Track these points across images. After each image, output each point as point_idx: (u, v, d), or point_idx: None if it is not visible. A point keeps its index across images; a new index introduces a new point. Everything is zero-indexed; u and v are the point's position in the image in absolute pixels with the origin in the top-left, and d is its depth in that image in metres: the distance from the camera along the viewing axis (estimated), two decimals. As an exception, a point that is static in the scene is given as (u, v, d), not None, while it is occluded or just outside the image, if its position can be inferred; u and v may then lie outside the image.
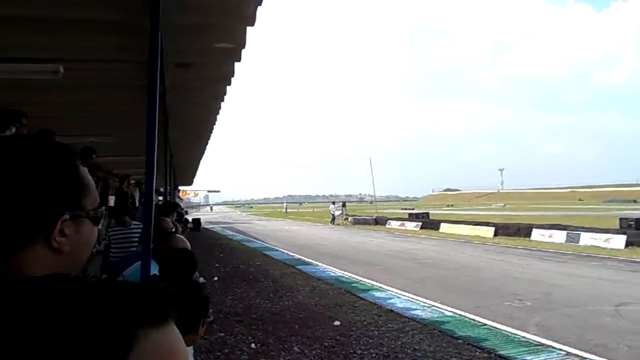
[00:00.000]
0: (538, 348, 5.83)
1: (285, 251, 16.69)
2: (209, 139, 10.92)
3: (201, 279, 3.20)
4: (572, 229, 18.60)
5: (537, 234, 19.31)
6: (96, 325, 0.35)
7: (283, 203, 78.95)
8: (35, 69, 3.99)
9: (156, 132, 2.66)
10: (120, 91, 5.40)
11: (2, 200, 0.61)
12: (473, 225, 23.47)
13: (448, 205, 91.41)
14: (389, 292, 9.28)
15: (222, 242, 20.71)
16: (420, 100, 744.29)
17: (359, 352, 5.59)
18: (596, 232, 17.46)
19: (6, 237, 0.62)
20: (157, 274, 2.45)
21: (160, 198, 9.64)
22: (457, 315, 7.41)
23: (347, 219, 34.10)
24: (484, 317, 7.21)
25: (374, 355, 5.51)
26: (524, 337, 6.26)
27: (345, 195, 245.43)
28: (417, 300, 8.51)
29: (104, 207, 0.75)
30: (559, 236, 18.22)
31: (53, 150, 0.68)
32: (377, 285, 9.93)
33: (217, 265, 12.45)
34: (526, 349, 5.80)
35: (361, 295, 8.86)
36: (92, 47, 4.04)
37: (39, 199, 0.63)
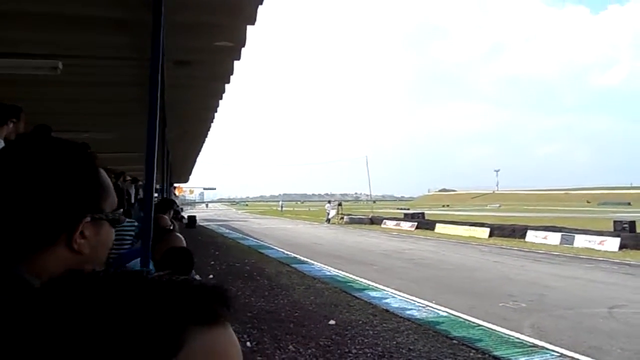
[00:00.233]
0: (532, 349, 5.87)
1: (281, 249, 16.66)
2: (206, 136, 10.90)
3: (197, 277, 3.20)
4: (567, 231, 18.73)
5: (532, 236, 19.41)
6: (142, 324, 0.33)
7: (279, 201, 78.98)
8: (34, 65, 3.98)
9: (157, 130, 2.66)
10: (119, 88, 5.39)
11: (26, 202, 0.63)
12: (469, 225, 23.58)
13: (444, 206, 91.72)
14: (385, 291, 9.30)
15: (217, 239, 20.62)
16: (418, 101, 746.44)
17: (354, 351, 5.60)
18: (590, 234, 17.59)
19: (29, 239, 0.63)
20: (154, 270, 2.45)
21: (156, 195, 9.61)
22: (452, 316, 7.43)
23: (342, 218, 34.12)
24: (478, 318, 7.24)
25: (368, 354, 5.52)
26: (518, 338, 6.29)
27: (341, 194, 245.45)
28: (412, 300, 8.52)
29: (121, 209, 0.76)
30: (554, 238, 18.33)
31: (75, 154, 0.69)
32: (372, 285, 9.94)
33: (212, 263, 12.40)
34: (520, 350, 5.83)
35: (356, 294, 8.86)
36: (91, 43, 4.03)
37: (62, 202, 0.65)
